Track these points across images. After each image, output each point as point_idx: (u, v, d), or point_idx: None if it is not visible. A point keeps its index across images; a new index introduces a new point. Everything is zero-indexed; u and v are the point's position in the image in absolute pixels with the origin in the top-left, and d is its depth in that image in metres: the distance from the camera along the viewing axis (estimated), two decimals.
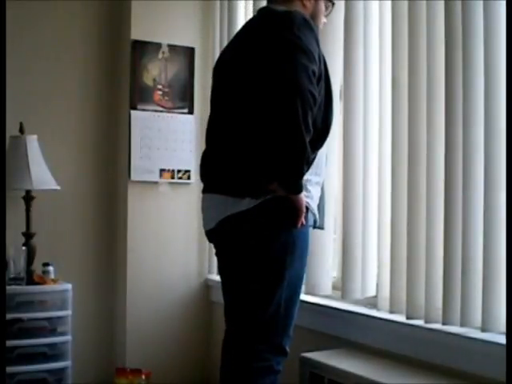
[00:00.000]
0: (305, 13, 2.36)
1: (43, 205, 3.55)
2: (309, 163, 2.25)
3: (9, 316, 3.07)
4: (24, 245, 3.40)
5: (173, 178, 3.82)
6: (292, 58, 2.15)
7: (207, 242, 3.77)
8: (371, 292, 2.82)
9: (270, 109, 2.16)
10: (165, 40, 3.82)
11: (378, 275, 2.76)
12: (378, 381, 2.34)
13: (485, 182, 2.25)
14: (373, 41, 2.82)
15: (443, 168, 2.41)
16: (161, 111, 3.80)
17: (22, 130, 3.46)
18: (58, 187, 3.48)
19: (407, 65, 2.59)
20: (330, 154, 2.66)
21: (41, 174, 3.42)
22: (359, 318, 2.78)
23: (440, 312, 2.40)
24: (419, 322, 2.50)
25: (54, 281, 3.45)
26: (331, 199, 2.89)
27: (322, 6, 2.48)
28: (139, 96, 3.76)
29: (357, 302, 2.87)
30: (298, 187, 2.22)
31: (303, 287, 2.56)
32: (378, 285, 2.77)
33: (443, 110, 2.43)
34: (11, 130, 3.43)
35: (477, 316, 2.27)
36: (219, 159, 2.38)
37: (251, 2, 3.59)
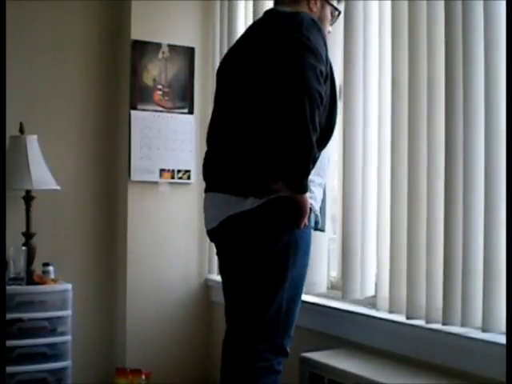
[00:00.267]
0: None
1: (43, 205, 3.55)
2: (315, 163, 2.25)
3: (9, 316, 3.07)
4: (24, 245, 3.40)
5: (173, 178, 3.82)
6: (300, 57, 2.16)
7: (207, 242, 3.81)
8: (371, 292, 2.82)
9: (277, 108, 2.17)
10: (165, 40, 3.82)
11: (378, 275, 2.75)
12: (377, 381, 2.34)
13: (485, 181, 2.25)
14: (372, 41, 2.82)
15: (443, 168, 2.41)
16: (161, 111, 3.80)
17: (22, 130, 3.46)
18: (58, 187, 3.48)
19: (407, 65, 2.59)
20: (330, 154, 2.66)
21: (41, 174, 3.42)
22: (359, 317, 2.77)
23: (440, 312, 2.40)
24: (420, 322, 2.50)
25: (54, 281, 3.45)
26: (329, 199, 2.89)
27: (328, 12, 2.48)
28: (139, 96, 3.76)
29: (357, 302, 2.87)
30: (304, 187, 2.22)
31: None
32: (376, 284, 2.77)
33: (443, 110, 2.43)
34: (11, 130, 3.43)
35: (477, 316, 2.27)
36: (223, 158, 2.38)
37: (251, 2, 3.59)
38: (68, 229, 3.75)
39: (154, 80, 3.79)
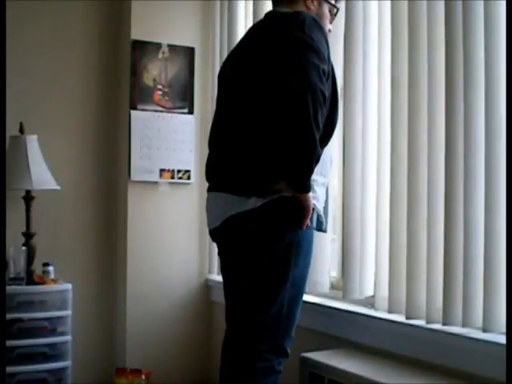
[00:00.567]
0: None
1: (43, 205, 3.55)
2: (317, 162, 2.25)
3: (9, 316, 3.07)
4: (24, 245, 3.40)
5: (173, 178, 3.82)
6: (303, 57, 2.16)
7: (208, 242, 3.81)
8: (371, 292, 2.82)
9: (280, 107, 2.17)
10: (165, 40, 3.82)
11: (378, 275, 2.75)
12: (377, 381, 2.34)
13: (485, 181, 2.25)
14: (372, 41, 2.82)
15: (443, 168, 2.41)
16: (161, 111, 3.80)
17: (22, 130, 3.46)
18: (58, 187, 3.48)
19: (407, 65, 2.59)
20: (332, 154, 2.66)
21: (41, 174, 3.41)
22: (359, 318, 2.77)
23: (441, 312, 2.40)
24: (420, 322, 2.50)
25: (54, 281, 3.45)
26: (330, 199, 2.89)
27: (326, 9, 2.48)
28: (139, 96, 3.76)
29: (357, 302, 2.86)
30: (307, 186, 2.22)
31: None
32: (375, 284, 2.77)
33: (443, 110, 2.43)
34: (11, 130, 3.43)
35: (478, 316, 2.27)
36: (226, 158, 2.37)
37: (251, 2, 3.59)
38: (68, 229, 3.75)
39: (154, 80, 3.79)
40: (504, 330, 2.16)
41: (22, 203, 3.45)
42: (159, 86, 3.80)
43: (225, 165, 2.38)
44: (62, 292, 3.39)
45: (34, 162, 3.40)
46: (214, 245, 2.62)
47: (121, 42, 3.84)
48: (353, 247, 2.83)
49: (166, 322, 3.79)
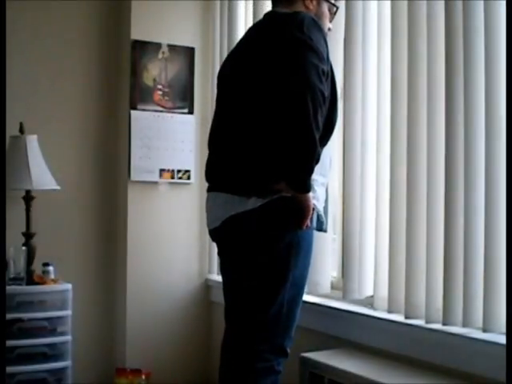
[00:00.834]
0: None
1: (43, 205, 3.55)
2: (317, 161, 2.25)
3: (9, 316, 3.07)
4: (24, 245, 3.40)
5: (173, 178, 3.82)
6: (302, 57, 2.17)
7: (207, 242, 3.81)
8: (371, 292, 2.82)
9: (279, 107, 2.17)
10: (165, 40, 3.82)
11: (377, 275, 2.75)
12: (377, 381, 2.34)
13: (485, 181, 2.25)
14: (372, 40, 2.82)
15: (443, 168, 2.41)
16: (161, 111, 3.80)
17: (22, 130, 3.46)
18: (58, 187, 3.48)
19: (407, 65, 2.59)
20: (332, 154, 2.66)
21: (41, 174, 3.41)
22: (359, 317, 2.77)
23: (441, 312, 2.40)
24: (420, 322, 2.50)
25: (54, 281, 3.44)
26: (330, 199, 2.89)
27: (326, 8, 2.48)
28: (139, 96, 3.76)
29: (358, 302, 2.86)
30: (307, 185, 2.22)
31: None
32: (375, 284, 2.77)
33: (443, 110, 2.43)
34: (11, 129, 3.43)
35: (478, 316, 2.27)
36: (226, 158, 2.38)
37: (251, 2, 3.59)
38: (68, 229, 3.75)
39: (154, 80, 3.79)
40: (504, 330, 2.16)
41: (22, 203, 3.45)
42: (159, 86, 3.80)
43: (225, 165, 2.38)
44: (62, 292, 3.38)
45: (33, 162, 3.40)
46: (214, 245, 2.62)
47: (121, 41, 3.84)
48: (352, 247, 2.83)
49: (165, 321, 3.79)
